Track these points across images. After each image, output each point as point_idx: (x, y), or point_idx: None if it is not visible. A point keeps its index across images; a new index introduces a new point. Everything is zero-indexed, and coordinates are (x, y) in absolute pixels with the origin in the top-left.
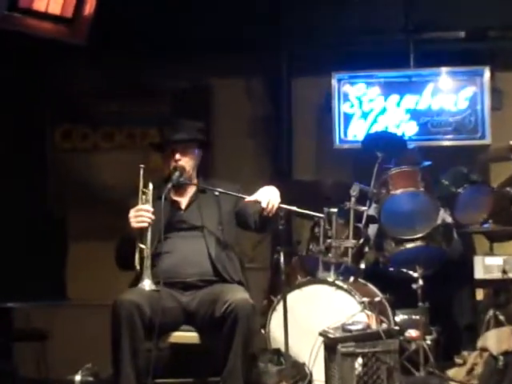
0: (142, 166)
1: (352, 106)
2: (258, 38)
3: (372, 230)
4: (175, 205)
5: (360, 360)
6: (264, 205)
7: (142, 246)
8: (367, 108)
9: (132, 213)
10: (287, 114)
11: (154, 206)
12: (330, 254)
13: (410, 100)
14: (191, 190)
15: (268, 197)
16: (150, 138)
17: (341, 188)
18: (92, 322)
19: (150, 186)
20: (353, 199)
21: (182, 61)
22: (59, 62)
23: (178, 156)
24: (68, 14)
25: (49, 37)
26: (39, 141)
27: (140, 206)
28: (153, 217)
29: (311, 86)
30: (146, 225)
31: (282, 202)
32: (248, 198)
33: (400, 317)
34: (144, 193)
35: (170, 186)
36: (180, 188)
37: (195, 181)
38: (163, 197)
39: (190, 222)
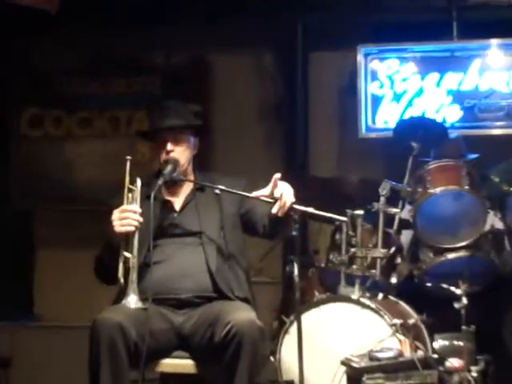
0: (128, 157)
1: (381, 86)
2: (266, 3)
3: (405, 237)
4: (167, 205)
5: None
6: (278, 204)
7: (128, 254)
8: (400, 89)
9: (116, 214)
10: (303, 97)
11: (141, 207)
12: (354, 266)
13: (452, 79)
14: (187, 188)
15: (281, 191)
16: (137, 124)
17: (367, 186)
18: (65, 347)
19: (138, 182)
20: (382, 199)
21: (174, 31)
22: (25, 36)
23: (169, 146)
24: None
25: (25, 4)
26: (1, 127)
27: (125, 207)
28: (141, 219)
29: (332, 62)
30: (132, 229)
31: (296, 203)
32: (255, 193)
33: (439, 343)
34: (130, 190)
35: (160, 182)
36: (173, 185)
37: (191, 176)
38: (152, 195)
39: (185, 227)
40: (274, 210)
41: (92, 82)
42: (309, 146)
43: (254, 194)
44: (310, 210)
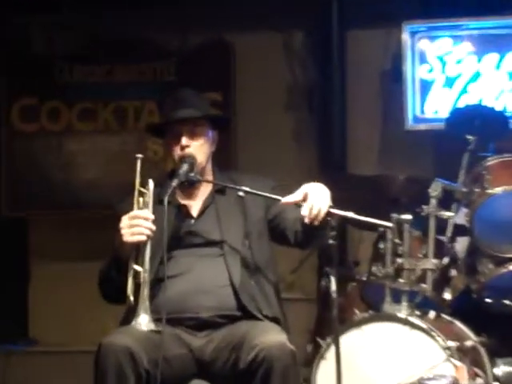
0: (138, 156)
1: (431, 70)
2: None
3: (461, 245)
4: (183, 211)
5: None
6: (306, 210)
7: (138, 268)
8: (453, 72)
9: (125, 221)
10: (339, 82)
11: (154, 213)
12: (400, 280)
13: None
14: (205, 190)
15: (313, 197)
16: (147, 117)
17: (416, 186)
18: (64, 375)
19: (150, 184)
20: (433, 202)
21: (190, 9)
22: (21, 17)
23: (184, 141)
24: None
25: None
26: None
27: (136, 213)
28: (153, 227)
29: (373, 42)
30: (144, 238)
31: (332, 206)
32: (285, 199)
33: (502, 369)
34: (141, 194)
35: (175, 184)
36: (190, 187)
37: (210, 176)
38: (166, 199)
39: (203, 235)
40: (306, 219)
41: (95, 69)
42: (347, 139)
43: (284, 200)
44: (349, 214)
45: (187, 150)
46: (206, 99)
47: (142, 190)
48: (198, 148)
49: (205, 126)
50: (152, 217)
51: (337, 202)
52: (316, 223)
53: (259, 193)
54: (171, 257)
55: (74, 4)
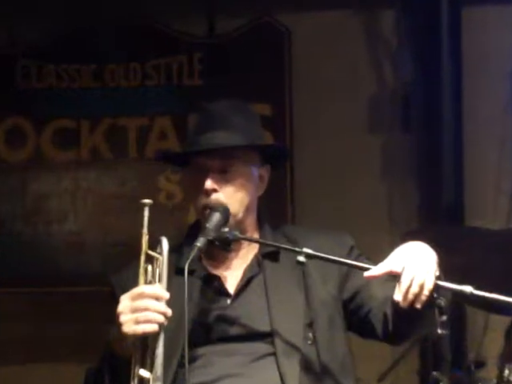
0: (146, 201)
1: None
2: None
3: None
4: (214, 285)
5: None
6: (403, 286)
7: (146, 373)
8: None
9: (125, 303)
10: (451, 85)
11: (170, 289)
12: None
13: None
14: (247, 254)
15: (412, 267)
16: (157, 142)
17: None
18: None
19: (164, 244)
20: None
21: None
22: None
23: (209, 183)
24: None
25: None
26: None
27: (143, 289)
28: (169, 312)
29: (501, 23)
30: (154, 329)
31: (442, 278)
32: (370, 273)
33: None
34: (150, 259)
35: (201, 243)
36: (224, 249)
37: (255, 233)
38: (186, 267)
39: (245, 323)
40: (403, 300)
41: (79, 71)
42: (463, 173)
43: (369, 273)
44: (468, 289)
45: (214, 197)
46: (254, 116)
47: (152, 253)
48: (231, 194)
49: (247, 159)
50: (167, 295)
51: (449, 270)
52: (418, 306)
53: (330, 257)
54: (196, 356)
55: None
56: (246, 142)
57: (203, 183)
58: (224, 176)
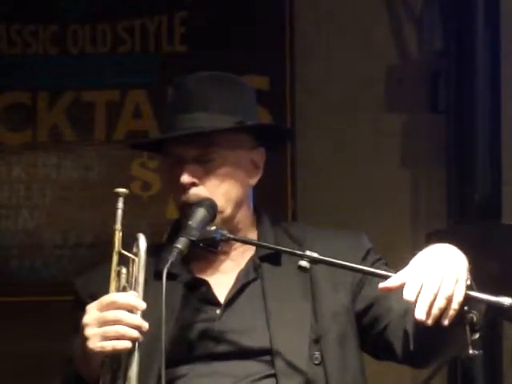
0: (121, 190)
1: None
2: None
3: None
4: (200, 292)
5: None
6: (425, 301)
7: None
8: None
9: (92, 314)
10: (490, 59)
11: (146, 298)
12: None
13: None
14: (241, 256)
15: (437, 275)
16: (132, 120)
17: None
18: None
19: (142, 243)
20: None
21: None
22: None
23: (186, 177)
24: None
25: None
26: None
27: (114, 298)
28: (146, 326)
29: None
30: (127, 346)
31: (473, 288)
32: (384, 284)
33: None
34: (125, 261)
35: (181, 245)
36: (211, 252)
37: (250, 232)
38: (165, 272)
39: (237, 338)
40: (421, 314)
41: (33, 33)
42: (501, 163)
43: (384, 284)
44: (506, 301)
45: (193, 192)
46: (245, 91)
47: (126, 253)
48: (214, 187)
49: (233, 143)
50: (143, 305)
51: (483, 278)
52: (445, 322)
53: (339, 262)
54: (176, 378)
55: None
56: (231, 123)
57: (180, 175)
58: (204, 166)
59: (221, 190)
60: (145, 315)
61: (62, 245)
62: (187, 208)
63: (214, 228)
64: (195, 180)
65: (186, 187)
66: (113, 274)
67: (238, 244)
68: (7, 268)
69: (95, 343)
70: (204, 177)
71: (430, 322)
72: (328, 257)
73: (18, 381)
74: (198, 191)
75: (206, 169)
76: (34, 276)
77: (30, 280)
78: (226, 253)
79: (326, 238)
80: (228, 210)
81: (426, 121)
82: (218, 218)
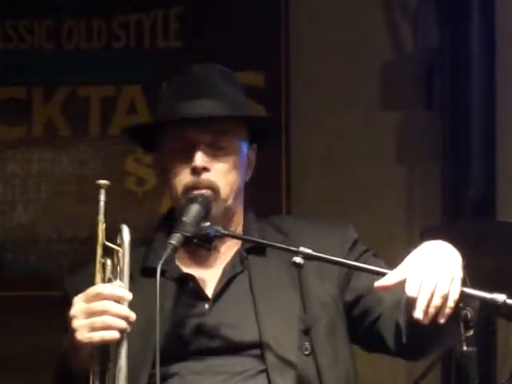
0: (102, 182)
1: None
2: None
3: None
4: (189, 287)
5: None
6: (422, 301)
7: None
8: None
9: (79, 306)
10: (485, 56)
11: (133, 290)
12: None
13: None
14: (228, 249)
15: (432, 274)
16: (126, 115)
17: None
18: None
19: (125, 234)
20: None
21: None
22: None
23: (200, 160)
24: None
25: None
26: None
27: (100, 289)
28: (133, 316)
29: None
30: (115, 336)
31: (468, 284)
32: (380, 282)
33: None
34: (110, 252)
35: (176, 241)
36: (203, 249)
37: (239, 225)
38: (159, 267)
39: (226, 333)
40: (419, 314)
41: (28, 28)
42: (495, 163)
43: (379, 283)
44: (500, 297)
45: (204, 177)
46: (240, 86)
47: (110, 245)
48: (223, 175)
49: (237, 134)
50: (129, 296)
51: (477, 274)
52: (441, 320)
53: (333, 259)
54: (168, 375)
55: None
56: (243, 113)
57: (190, 159)
58: (215, 153)
59: (227, 179)
60: (132, 308)
61: (57, 239)
62: (192, 191)
63: (208, 224)
64: (208, 165)
65: (197, 170)
66: (98, 266)
67: (227, 238)
68: (2, 262)
69: (83, 334)
70: (215, 164)
71: (426, 320)
72: (315, 249)
73: (13, 375)
74: (210, 177)
75: (216, 156)
76: (29, 270)
77: (25, 274)
78: (215, 247)
79: (314, 231)
80: (230, 201)
81: (420, 118)
82: (221, 207)
